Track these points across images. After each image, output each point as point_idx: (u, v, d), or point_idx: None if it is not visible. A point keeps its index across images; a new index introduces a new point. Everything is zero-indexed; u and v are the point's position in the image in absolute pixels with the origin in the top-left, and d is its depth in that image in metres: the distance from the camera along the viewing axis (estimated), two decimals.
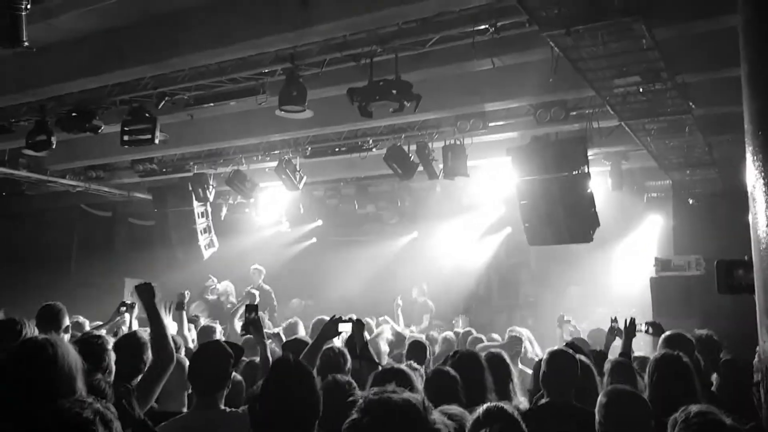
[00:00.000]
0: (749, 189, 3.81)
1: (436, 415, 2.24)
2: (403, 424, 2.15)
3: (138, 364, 4.36)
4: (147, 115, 8.75)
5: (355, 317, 5.52)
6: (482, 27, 6.41)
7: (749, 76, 3.92)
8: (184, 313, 7.25)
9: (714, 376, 5.72)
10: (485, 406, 3.20)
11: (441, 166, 10.11)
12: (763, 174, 3.69)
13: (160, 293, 4.40)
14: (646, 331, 6.28)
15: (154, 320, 4.26)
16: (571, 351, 4.82)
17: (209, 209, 13.93)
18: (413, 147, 10.20)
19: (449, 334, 8.62)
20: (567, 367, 4.55)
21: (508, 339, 7.96)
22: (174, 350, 4.29)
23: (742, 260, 4.05)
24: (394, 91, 6.96)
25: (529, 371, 6.61)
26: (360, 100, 7.14)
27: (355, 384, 3.87)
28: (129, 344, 4.48)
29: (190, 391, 4.70)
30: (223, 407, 3.92)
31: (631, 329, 6.11)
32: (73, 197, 14.87)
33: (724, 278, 4.17)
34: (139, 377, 4.28)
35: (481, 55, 6.83)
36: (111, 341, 4.40)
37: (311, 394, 2.98)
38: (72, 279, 16.18)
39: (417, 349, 6.50)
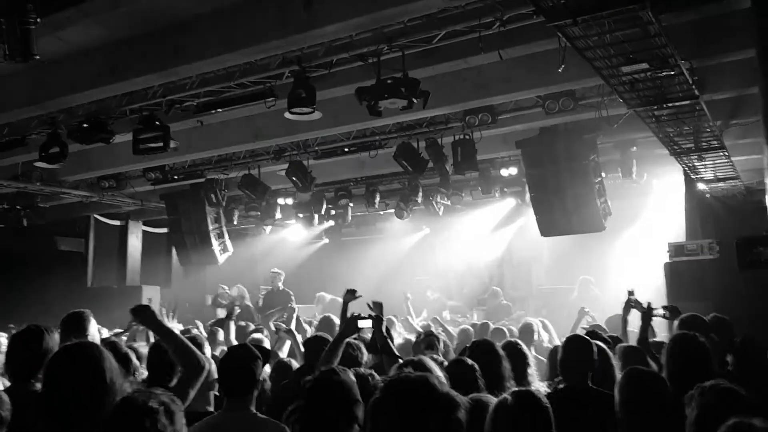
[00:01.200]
0: (765, 168, 3.84)
1: (453, 392, 2.33)
2: (421, 397, 2.23)
3: (169, 371, 4.26)
4: (158, 123, 8.82)
5: (374, 313, 5.50)
6: (488, 20, 6.42)
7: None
8: (232, 323, 7.33)
9: (729, 357, 5.74)
10: (514, 389, 3.31)
11: (451, 161, 10.12)
12: None
13: (158, 304, 4.33)
14: (664, 316, 6.31)
15: (165, 337, 3.97)
16: (587, 336, 4.89)
17: (222, 214, 14.04)
18: (422, 144, 10.22)
19: (467, 326, 8.69)
20: (584, 352, 4.62)
21: (521, 327, 8.03)
22: (200, 357, 3.92)
23: (763, 236, 4.09)
24: (403, 89, 6.97)
25: (543, 359, 6.65)
26: (368, 99, 7.16)
27: (376, 375, 3.93)
28: (159, 352, 4.51)
29: (216, 392, 4.75)
30: (254, 411, 3.93)
31: (647, 314, 6.13)
32: (87, 207, 14.99)
33: (745, 255, 4.21)
34: (173, 383, 4.27)
35: (488, 49, 6.83)
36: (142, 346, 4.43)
37: (343, 404, 3.10)
38: (88, 288, 16.34)
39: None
